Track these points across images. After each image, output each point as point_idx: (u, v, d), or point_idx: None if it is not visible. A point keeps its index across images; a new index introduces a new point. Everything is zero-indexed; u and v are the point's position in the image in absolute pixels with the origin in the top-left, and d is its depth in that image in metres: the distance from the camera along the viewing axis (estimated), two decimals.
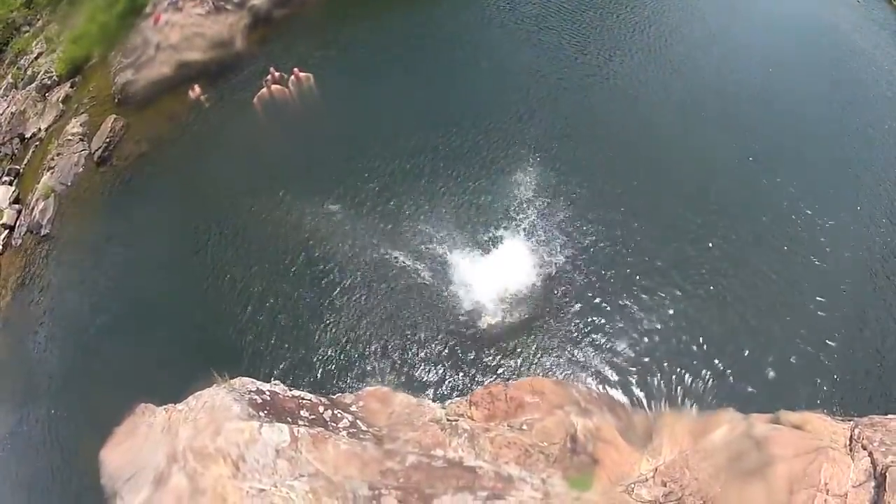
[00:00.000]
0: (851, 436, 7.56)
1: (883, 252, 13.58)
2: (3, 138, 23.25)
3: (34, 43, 26.71)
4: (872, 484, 6.83)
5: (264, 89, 18.38)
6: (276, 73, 18.58)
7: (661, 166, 15.28)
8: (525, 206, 14.47)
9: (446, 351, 11.88)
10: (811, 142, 16.24)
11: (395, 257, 13.87)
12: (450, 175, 15.53)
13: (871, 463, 7.02)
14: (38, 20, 28.23)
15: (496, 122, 16.84)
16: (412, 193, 15.25)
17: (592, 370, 11.18)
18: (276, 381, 8.95)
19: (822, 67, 19.50)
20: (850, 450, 7.36)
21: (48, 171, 19.89)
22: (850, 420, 8.04)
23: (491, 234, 13.90)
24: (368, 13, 21.51)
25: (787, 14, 22.18)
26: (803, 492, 6.77)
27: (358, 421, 8.13)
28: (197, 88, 19.60)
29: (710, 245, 13.36)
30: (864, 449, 7.26)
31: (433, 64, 19.35)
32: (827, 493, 6.79)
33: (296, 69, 18.50)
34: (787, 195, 14.55)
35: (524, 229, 13.91)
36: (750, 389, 10.68)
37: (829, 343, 11.53)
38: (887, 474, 6.70)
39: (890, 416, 8.15)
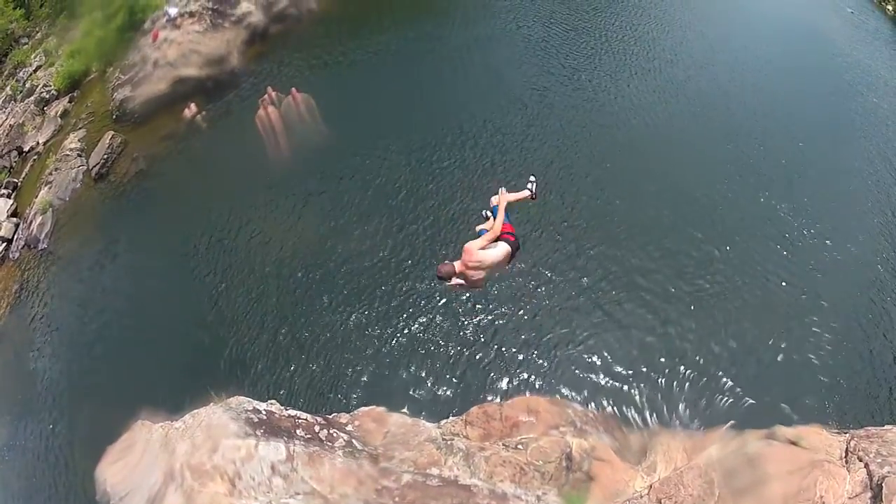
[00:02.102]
0: (847, 448, 7.55)
1: (880, 263, 13.62)
2: (2, 151, 23.32)
3: (33, 55, 26.87)
4: (869, 495, 6.82)
5: (261, 110, 18.38)
6: (274, 94, 18.59)
7: (664, 177, 15.36)
8: (524, 224, 14.44)
9: (442, 371, 11.84)
10: (809, 151, 16.34)
11: (393, 278, 13.87)
12: (452, 196, 15.46)
13: (868, 474, 7.01)
14: (37, 32, 28.43)
15: (497, 141, 16.83)
16: (411, 212, 15.24)
17: (588, 388, 11.12)
18: (273, 401, 8.96)
19: (818, 77, 19.68)
20: (846, 462, 7.34)
21: (46, 185, 19.95)
22: (845, 432, 8.03)
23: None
24: (365, 30, 21.64)
25: (782, 25, 22.46)
26: None
27: (353, 440, 8.13)
28: (193, 107, 19.67)
29: (708, 259, 13.38)
30: (860, 461, 7.24)
31: (431, 81, 19.40)
32: None
33: (294, 90, 18.51)
34: (784, 206, 14.61)
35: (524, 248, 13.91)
36: (745, 405, 10.64)
37: (825, 355, 11.52)
38: (883, 485, 6.68)
39: (886, 427, 8.14)
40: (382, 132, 17.51)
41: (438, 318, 12.81)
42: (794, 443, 7.61)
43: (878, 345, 11.95)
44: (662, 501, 7.07)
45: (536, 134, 16.93)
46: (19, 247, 19.33)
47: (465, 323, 12.59)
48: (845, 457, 7.43)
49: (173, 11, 21.07)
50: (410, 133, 17.45)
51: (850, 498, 6.82)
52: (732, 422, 8.78)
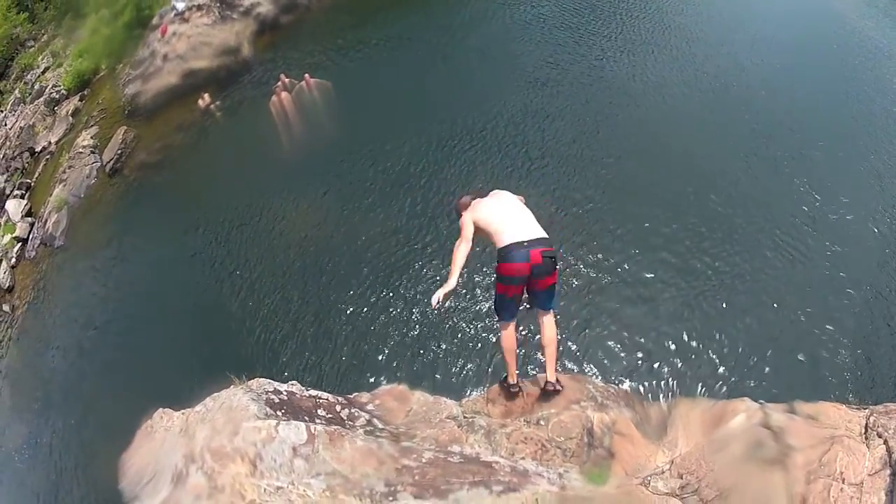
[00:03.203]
0: (866, 424, 7.49)
1: None
2: (14, 153, 23.56)
3: (40, 58, 27.08)
4: (888, 472, 6.75)
5: (275, 97, 18.45)
6: (287, 80, 18.64)
7: (686, 154, 15.43)
8: (543, 205, 14.36)
9: (464, 348, 11.91)
10: (821, 132, 16.22)
11: (412, 257, 13.91)
12: (476, 179, 15.44)
13: (887, 451, 6.94)
14: (43, 35, 28.63)
15: (519, 125, 16.81)
16: (434, 196, 15.25)
17: (608, 364, 11.19)
18: (293, 382, 8.95)
19: (832, 55, 19.55)
20: (866, 438, 7.29)
21: (60, 183, 20.15)
22: (865, 408, 7.97)
23: None
24: (378, 17, 21.65)
25: (795, 4, 22.28)
26: (820, 481, 6.72)
27: (374, 419, 8.14)
28: (206, 97, 19.80)
29: (730, 235, 13.35)
30: (880, 437, 7.16)
31: (448, 65, 19.39)
32: (843, 482, 6.73)
33: (307, 76, 18.55)
34: (805, 182, 14.53)
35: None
36: (763, 379, 10.63)
37: (844, 330, 11.46)
38: None
39: None
40: (400, 116, 17.56)
41: (460, 298, 12.85)
42: (813, 418, 7.56)
43: None
44: (684, 476, 7.06)
45: (557, 113, 16.92)
46: (35, 246, 19.57)
47: (487, 302, 12.58)
48: (865, 433, 7.37)
49: (181, 6, 21.18)
50: (429, 117, 17.48)
51: (869, 475, 6.76)
52: (751, 395, 8.74)
